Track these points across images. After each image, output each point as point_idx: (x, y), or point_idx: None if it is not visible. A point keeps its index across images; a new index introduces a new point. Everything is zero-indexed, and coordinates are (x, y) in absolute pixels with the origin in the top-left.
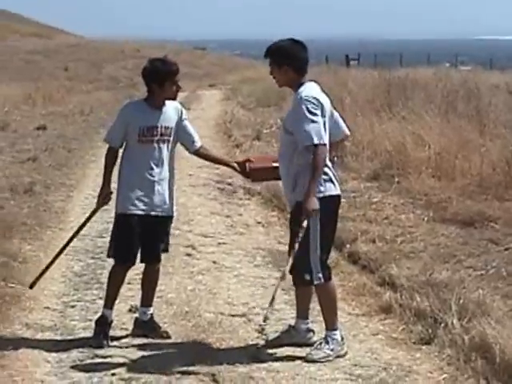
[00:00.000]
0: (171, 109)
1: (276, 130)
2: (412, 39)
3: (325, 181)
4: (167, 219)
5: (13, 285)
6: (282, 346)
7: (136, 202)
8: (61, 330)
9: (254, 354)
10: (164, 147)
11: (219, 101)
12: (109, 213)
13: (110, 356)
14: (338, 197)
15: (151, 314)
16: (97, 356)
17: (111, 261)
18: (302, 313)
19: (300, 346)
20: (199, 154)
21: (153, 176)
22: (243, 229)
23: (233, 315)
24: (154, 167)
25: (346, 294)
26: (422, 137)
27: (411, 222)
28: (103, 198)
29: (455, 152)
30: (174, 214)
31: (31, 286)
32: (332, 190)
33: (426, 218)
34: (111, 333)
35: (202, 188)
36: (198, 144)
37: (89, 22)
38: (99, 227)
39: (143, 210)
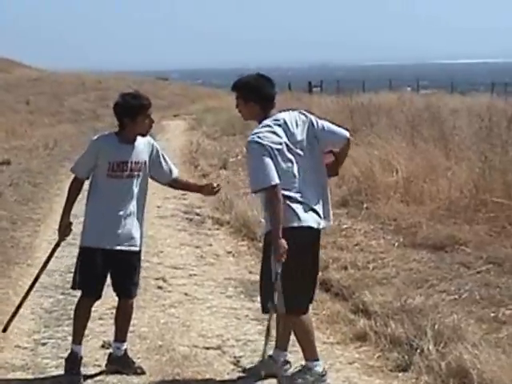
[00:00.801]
0: (143, 144)
1: (242, 158)
2: (373, 65)
3: (285, 212)
4: (133, 254)
5: None
6: (258, 375)
7: (101, 236)
8: (32, 369)
9: None
10: (133, 182)
11: (184, 131)
12: (76, 247)
13: None
14: (300, 229)
15: (125, 350)
16: None
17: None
18: (282, 344)
19: (275, 377)
20: (175, 185)
21: (119, 211)
22: (213, 259)
23: (207, 348)
24: (122, 202)
25: (319, 322)
26: (389, 162)
27: (382, 248)
28: (63, 229)
29: (423, 176)
30: (142, 247)
31: (4, 330)
32: (293, 221)
33: (396, 244)
34: (84, 370)
35: (171, 219)
36: (175, 175)
37: (48, 56)
38: (68, 262)
39: (108, 244)
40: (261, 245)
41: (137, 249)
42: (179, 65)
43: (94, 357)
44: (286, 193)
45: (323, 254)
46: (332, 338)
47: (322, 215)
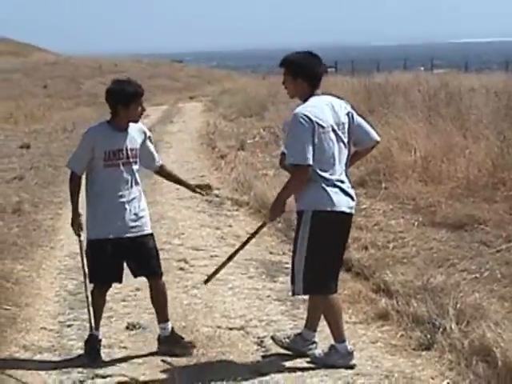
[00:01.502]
0: (135, 130)
1: (259, 139)
2: (385, 45)
3: (321, 195)
4: (146, 237)
5: (7, 307)
6: (286, 349)
7: (107, 226)
8: (59, 350)
9: (255, 368)
10: (131, 169)
11: (201, 113)
12: None
13: (110, 375)
14: (333, 213)
15: (171, 328)
16: (97, 376)
17: None
18: (311, 324)
19: (301, 356)
20: (161, 172)
21: (121, 198)
22: (234, 240)
23: (231, 328)
24: (122, 190)
25: (341, 302)
26: (407, 141)
27: (402, 228)
28: (77, 226)
29: (441, 155)
30: (163, 230)
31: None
32: (327, 205)
33: (415, 223)
34: (110, 352)
35: (190, 201)
36: (160, 162)
37: (64, 40)
38: None
39: (116, 233)
40: (280, 225)
41: (149, 231)
42: (193, 48)
43: (118, 338)
44: (324, 174)
45: None
46: (354, 318)
47: (354, 198)
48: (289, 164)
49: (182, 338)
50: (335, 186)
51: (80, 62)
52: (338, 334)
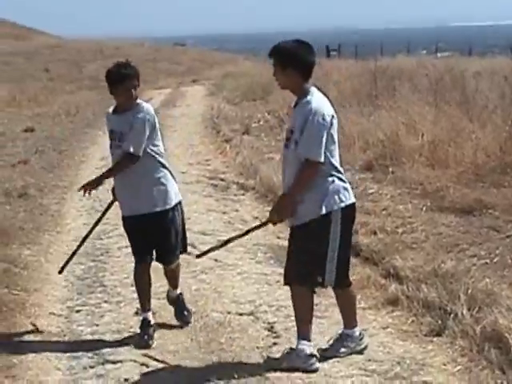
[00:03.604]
0: (132, 115)
1: (264, 123)
2: (387, 28)
3: (343, 189)
4: (158, 215)
5: (16, 292)
6: (337, 356)
7: (123, 205)
8: (68, 335)
9: (265, 353)
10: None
11: (204, 96)
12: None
13: (121, 361)
14: (353, 205)
15: (179, 294)
16: (107, 361)
17: (112, 263)
18: (348, 321)
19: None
20: None
21: (124, 178)
22: (241, 225)
23: (240, 314)
24: (130, 170)
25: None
26: (413, 126)
27: (410, 213)
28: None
29: (448, 140)
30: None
31: (60, 272)
32: (349, 199)
33: (424, 208)
34: (120, 337)
35: (196, 185)
36: (126, 150)
37: (65, 23)
38: (97, 229)
39: (130, 211)
40: None
41: (158, 209)
42: (194, 31)
43: (128, 324)
44: (338, 167)
45: None
46: (363, 303)
47: None
48: (302, 157)
49: (185, 307)
50: (343, 180)
51: (81, 45)
52: (352, 321)
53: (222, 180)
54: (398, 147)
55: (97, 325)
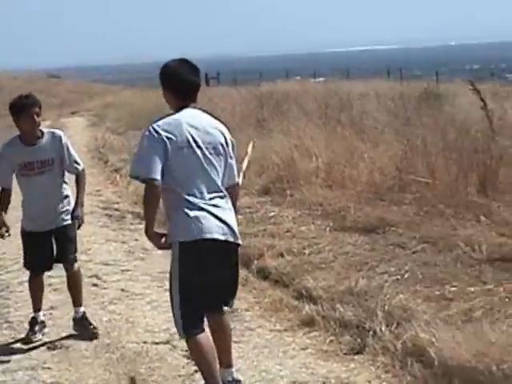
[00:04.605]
0: (48, 141)
1: None
2: (265, 55)
3: (184, 223)
4: (61, 229)
5: None
6: None
7: (34, 223)
8: None
9: (188, 381)
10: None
11: (86, 127)
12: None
13: None
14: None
15: (83, 312)
16: None
17: (15, 298)
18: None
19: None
20: (76, 178)
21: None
22: (143, 254)
23: (157, 343)
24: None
25: (263, 310)
26: (307, 148)
27: (314, 233)
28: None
29: (342, 161)
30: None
31: None
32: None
33: (327, 228)
34: (35, 374)
35: (91, 216)
36: (79, 168)
37: None
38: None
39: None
40: None
41: (62, 224)
42: (68, 63)
43: (41, 359)
44: (188, 197)
45: (256, 242)
46: (278, 326)
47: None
48: (132, 177)
49: (91, 325)
50: (202, 209)
51: None
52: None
53: (117, 210)
54: (293, 170)
55: (8, 362)
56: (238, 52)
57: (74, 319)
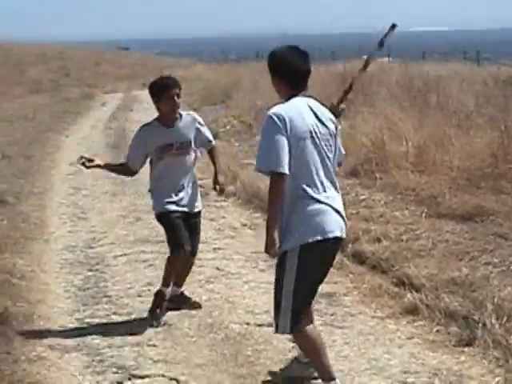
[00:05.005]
0: (185, 123)
1: (231, 128)
2: (332, 33)
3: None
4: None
5: (20, 304)
6: None
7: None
8: (85, 349)
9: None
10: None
11: None
12: (87, 221)
13: (149, 376)
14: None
15: (182, 290)
16: (134, 376)
17: (111, 273)
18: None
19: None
20: (210, 152)
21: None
22: (232, 232)
23: (259, 325)
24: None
25: (362, 296)
26: (396, 131)
27: (409, 219)
28: None
29: (434, 145)
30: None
31: None
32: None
33: (423, 214)
34: (140, 350)
35: None
36: (212, 144)
37: (9, 25)
38: (84, 237)
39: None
40: None
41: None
42: (134, 35)
43: (145, 337)
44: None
45: (350, 225)
46: (380, 312)
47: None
48: (259, 171)
49: (189, 298)
50: (323, 203)
51: (24, 48)
52: (319, 373)
53: (201, 186)
54: (383, 152)
55: (111, 337)
56: (305, 29)
57: (173, 296)
